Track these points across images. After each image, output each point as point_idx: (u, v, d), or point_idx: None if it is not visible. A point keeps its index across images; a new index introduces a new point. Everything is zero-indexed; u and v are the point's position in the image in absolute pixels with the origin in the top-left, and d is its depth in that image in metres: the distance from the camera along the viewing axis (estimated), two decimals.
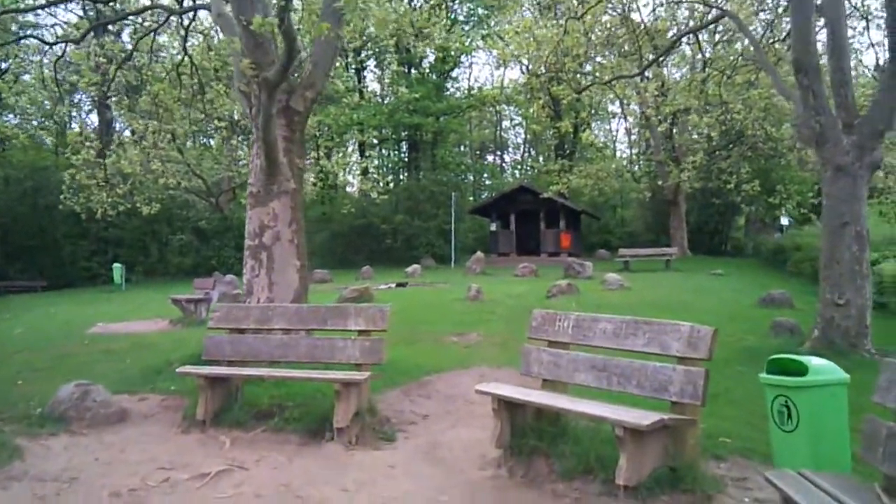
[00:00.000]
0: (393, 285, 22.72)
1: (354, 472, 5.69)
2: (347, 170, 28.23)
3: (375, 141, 39.81)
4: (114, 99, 25.73)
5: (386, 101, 38.57)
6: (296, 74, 9.52)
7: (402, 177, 41.92)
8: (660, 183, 33.01)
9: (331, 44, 9.61)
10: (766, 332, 12.14)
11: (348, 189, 32.96)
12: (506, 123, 60.87)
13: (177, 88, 16.27)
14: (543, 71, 18.76)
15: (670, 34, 25.48)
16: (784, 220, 32.51)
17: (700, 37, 25.89)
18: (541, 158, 54.34)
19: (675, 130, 31.42)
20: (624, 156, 49.27)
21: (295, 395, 7.46)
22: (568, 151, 43.39)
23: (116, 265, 28.96)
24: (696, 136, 29.57)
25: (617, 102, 32.11)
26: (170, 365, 8.95)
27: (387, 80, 40.92)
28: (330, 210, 36.70)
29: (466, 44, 35.95)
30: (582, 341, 5.91)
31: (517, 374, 6.74)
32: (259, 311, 7.33)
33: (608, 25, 22.96)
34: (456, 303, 17.03)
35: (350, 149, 30.44)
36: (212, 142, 36.77)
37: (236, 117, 29.90)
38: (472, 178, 54.69)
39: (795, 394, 4.98)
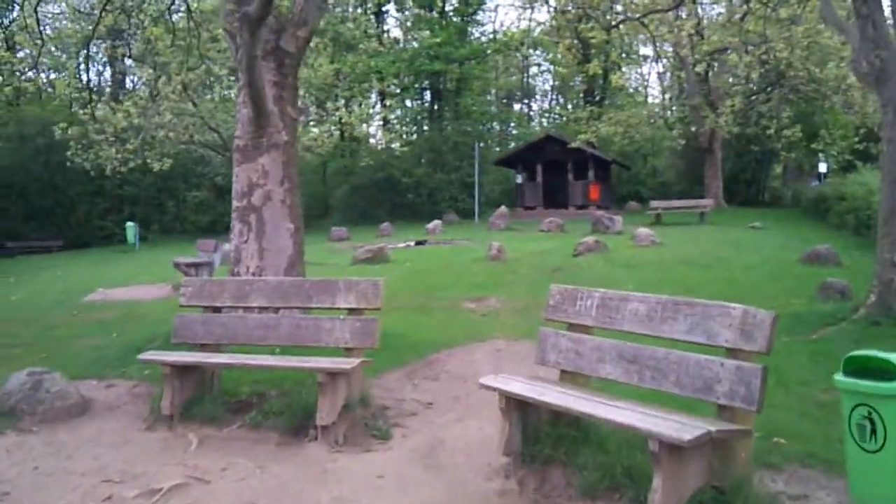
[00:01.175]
0: (412, 243, 21.76)
1: (334, 485, 4.77)
2: (367, 121, 27.01)
3: (397, 90, 38.48)
4: (120, 50, 24.71)
5: (406, 48, 37.09)
6: (285, 9, 8.42)
7: (424, 127, 40.56)
8: (694, 130, 31.43)
9: None
10: (813, 295, 11.01)
11: (370, 141, 31.76)
12: (533, 70, 59.03)
13: (170, 33, 15.16)
14: (571, 8, 17.35)
15: None
16: (823, 168, 30.89)
17: None
18: (569, 106, 52.58)
19: (711, 73, 29.73)
20: (657, 102, 47.37)
21: (280, 380, 6.56)
22: (598, 98, 41.71)
23: (129, 224, 28.33)
24: (733, 79, 27.87)
25: (650, 44, 30.16)
26: (152, 342, 8.09)
27: (407, 24, 39.29)
28: (350, 163, 35.61)
29: None
30: (608, 325, 4.88)
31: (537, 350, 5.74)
32: (235, 286, 6.38)
33: None
34: (476, 263, 16.04)
35: (370, 99, 29.12)
36: (231, 93, 35.77)
37: None
38: (497, 127, 53.21)
39: (883, 404, 3.91)
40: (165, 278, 16.24)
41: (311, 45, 34.73)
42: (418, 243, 21.66)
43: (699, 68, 26.33)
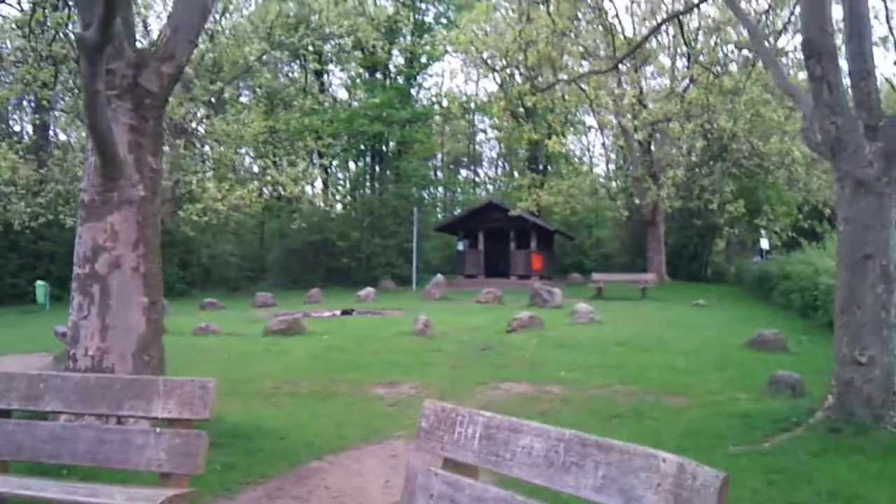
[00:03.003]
0: (337, 313, 20.31)
1: None
2: (301, 181, 25.72)
3: (337, 151, 37.34)
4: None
5: (345, 108, 36.10)
6: (143, 41, 7.12)
7: (367, 190, 39.40)
8: (637, 202, 30.87)
9: (198, 1, 7.23)
10: (762, 389, 9.83)
11: (310, 203, 30.50)
12: (480, 137, 58.84)
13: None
14: (514, 73, 16.52)
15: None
16: (765, 244, 30.48)
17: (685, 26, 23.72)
18: (515, 174, 52.19)
19: (653, 144, 29.26)
20: (600, 172, 47.16)
21: None
22: (541, 166, 41.25)
23: (39, 283, 26.25)
24: (675, 150, 27.41)
25: (594, 114, 29.63)
26: None
27: (349, 84, 38.37)
28: (283, 225, 34.11)
29: (435, 47, 33.63)
30: (494, 466, 3.51)
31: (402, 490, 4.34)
32: (27, 382, 4.86)
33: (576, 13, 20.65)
34: (399, 338, 14.64)
35: (304, 159, 27.94)
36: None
37: (176, 119, 27.46)
38: (441, 192, 52.37)
39: None
40: (54, 347, 14.43)
41: (245, 99, 33.87)
42: (344, 313, 20.20)
43: (640, 136, 25.79)
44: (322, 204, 29.49)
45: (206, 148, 28.69)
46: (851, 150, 8.00)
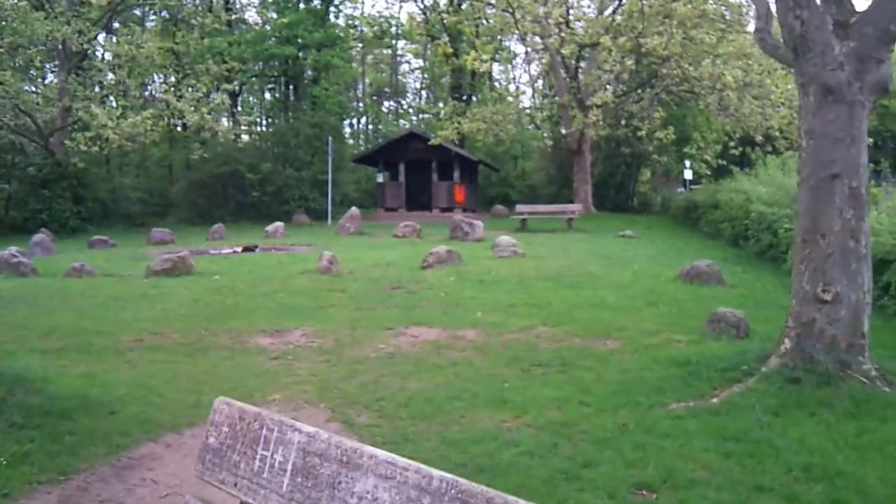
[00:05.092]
0: (238, 249, 18.53)
1: None
2: (199, 108, 23.38)
3: (245, 77, 34.76)
4: None
5: (253, 30, 33.41)
6: None
7: (279, 120, 36.96)
8: (563, 131, 29.55)
9: None
10: (702, 329, 8.70)
11: (204, 132, 28.10)
12: (404, 67, 56.65)
13: None
14: None
15: None
16: (688, 175, 29.67)
17: None
18: (441, 105, 50.35)
19: (580, 71, 27.81)
20: (527, 103, 45.71)
21: None
22: (465, 96, 39.51)
23: None
24: (604, 76, 26.04)
25: (518, 33, 27.85)
26: None
27: (259, 6, 35.52)
28: (186, 156, 31.63)
29: None
30: None
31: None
32: None
33: None
34: (299, 277, 13.10)
35: (204, 84, 25.48)
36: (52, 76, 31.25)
37: (64, 41, 24.73)
38: (363, 124, 50.20)
39: None
40: None
41: (137, 17, 30.95)
42: (246, 249, 18.45)
43: (567, 51, 24.20)
44: (224, 132, 27.11)
45: (98, 72, 25.97)
46: (818, 51, 6.69)
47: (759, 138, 24.42)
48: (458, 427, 5.57)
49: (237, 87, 31.96)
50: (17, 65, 27.32)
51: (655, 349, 7.95)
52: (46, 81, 30.96)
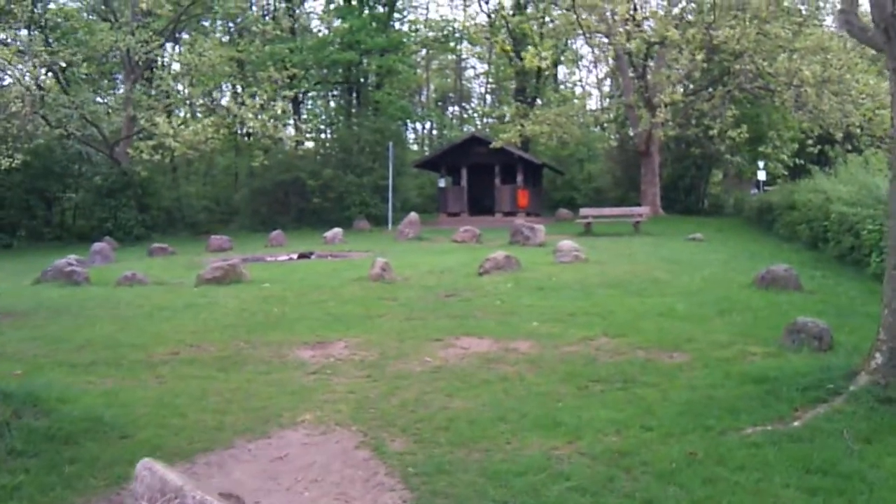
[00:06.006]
0: (295, 256, 18.28)
1: None
2: (260, 115, 23.31)
3: (307, 84, 34.77)
4: None
5: (314, 36, 33.33)
6: None
7: (340, 126, 36.90)
8: (630, 133, 28.59)
9: None
10: (779, 340, 7.88)
11: (266, 139, 28.13)
12: (469, 73, 56.28)
13: None
14: None
15: None
16: (762, 176, 28.38)
17: None
18: (505, 108, 49.75)
19: (648, 71, 26.84)
20: (594, 105, 44.72)
21: None
22: (530, 98, 38.80)
23: None
24: (673, 75, 25.03)
25: (582, 34, 27.00)
26: None
27: (321, 13, 35.47)
28: (238, 162, 31.79)
29: None
30: None
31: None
32: None
33: None
34: (351, 284, 12.66)
35: (265, 91, 25.46)
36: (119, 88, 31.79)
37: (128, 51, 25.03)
38: (427, 129, 49.88)
39: None
40: None
41: (203, 28, 31.28)
42: (301, 256, 18.18)
43: (633, 46, 23.26)
44: (286, 139, 27.09)
45: (161, 81, 26.24)
46: None
47: (838, 136, 23.10)
48: (502, 455, 4.96)
49: (301, 95, 31.94)
50: (85, 76, 27.80)
51: (728, 363, 7.19)
52: (117, 92, 31.53)
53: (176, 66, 29.41)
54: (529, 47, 22.20)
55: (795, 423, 5.45)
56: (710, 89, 26.41)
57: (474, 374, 7.12)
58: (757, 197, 25.51)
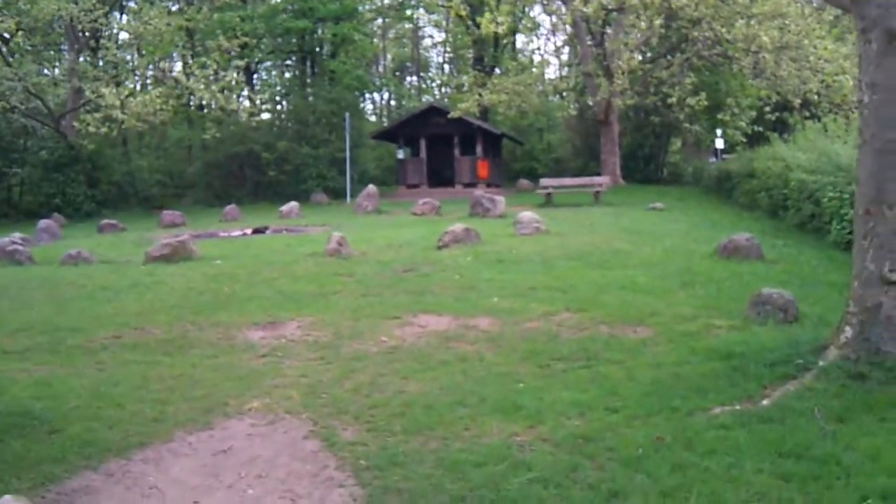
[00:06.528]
0: (248, 231, 17.76)
1: None
2: (210, 85, 22.56)
3: (260, 53, 33.86)
4: None
5: (265, 3, 32.33)
6: None
7: (295, 97, 36.03)
8: (589, 101, 28.32)
9: None
10: (744, 312, 7.73)
11: (214, 110, 27.27)
12: (427, 42, 55.37)
13: None
14: None
15: None
16: (719, 144, 28.35)
17: None
18: (464, 78, 49.13)
19: (606, 38, 26.52)
20: (553, 74, 44.33)
21: None
22: (489, 67, 38.29)
23: None
24: (631, 41, 24.75)
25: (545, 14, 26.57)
26: None
27: None
28: (191, 135, 30.91)
29: None
30: None
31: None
32: None
33: None
34: (305, 260, 12.24)
35: (215, 61, 24.60)
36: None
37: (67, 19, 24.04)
38: (385, 100, 49.10)
39: None
40: None
41: None
42: (256, 231, 17.67)
43: (591, 9, 22.83)
44: (237, 111, 26.37)
45: (106, 52, 25.26)
46: None
47: (796, 103, 23.08)
48: (460, 443, 4.69)
49: (254, 65, 31.08)
50: (30, 48, 26.73)
51: (693, 338, 7.01)
52: (62, 64, 30.42)
53: (123, 36, 28.38)
54: (486, 13, 21.67)
55: (765, 402, 5.26)
56: (669, 57, 26.23)
57: (432, 355, 6.84)
58: (716, 165, 25.47)
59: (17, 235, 15.42)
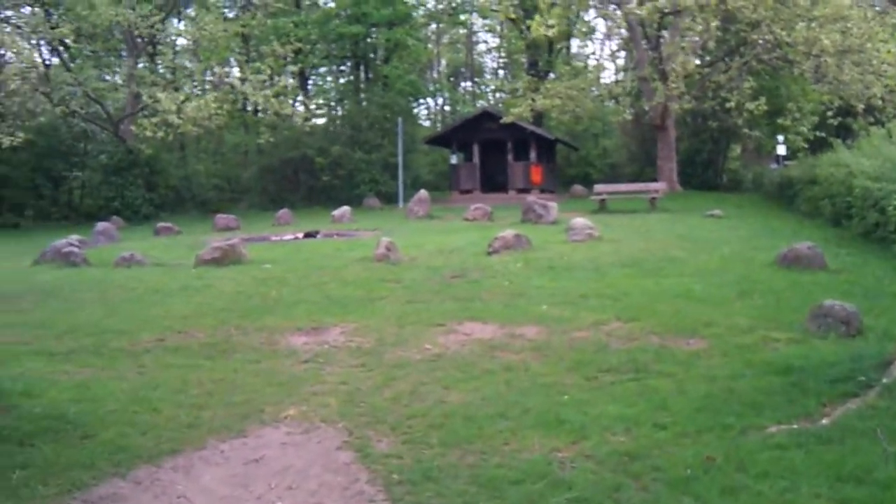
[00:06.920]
0: (300, 235, 17.84)
1: None
2: (263, 90, 22.82)
3: (313, 59, 34.14)
4: None
5: (319, 9, 32.60)
6: None
7: (349, 102, 36.29)
8: (645, 107, 27.82)
9: None
10: (803, 324, 7.36)
11: (269, 115, 27.63)
12: (481, 47, 55.30)
13: None
14: None
15: None
16: (781, 150, 27.56)
17: None
18: (518, 83, 48.86)
19: (662, 39, 26.02)
20: (608, 78, 43.77)
21: None
22: (543, 73, 38.00)
23: None
24: (687, 44, 24.23)
25: (601, 18, 26.18)
26: None
27: None
28: (247, 140, 31.30)
29: None
30: None
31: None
32: None
33: None
34: (355, 265, 12.18)
35: (269, 66, 24.89)
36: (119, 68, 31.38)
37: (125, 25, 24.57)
38: (439, 105, 49.09)
39: None
40: None
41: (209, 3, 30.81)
42: (307, 235, 17.75)
43: (644, 13, 22.37)
44: (292, 116, 26.63)
45: (163, 57, 25.77)
46: None
47: (860, 108, 22.31)
48: (498, 458, 4.50)
49: (308, 70, 31.33)
50: (91, 53, 27.42)
51: (749, 351, 6.69)
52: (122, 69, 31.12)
53: (181, 42, 28.94)
54: (536, 16, 21.42)
55: (824, 421, 4.95)
56: (727, 60, 25.62)
57: (476, 364, 6.66)
58: (777, 171, 24.75)
59: (74, 237, 15.73)
